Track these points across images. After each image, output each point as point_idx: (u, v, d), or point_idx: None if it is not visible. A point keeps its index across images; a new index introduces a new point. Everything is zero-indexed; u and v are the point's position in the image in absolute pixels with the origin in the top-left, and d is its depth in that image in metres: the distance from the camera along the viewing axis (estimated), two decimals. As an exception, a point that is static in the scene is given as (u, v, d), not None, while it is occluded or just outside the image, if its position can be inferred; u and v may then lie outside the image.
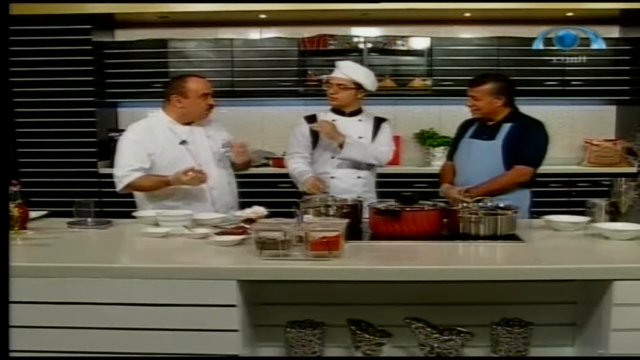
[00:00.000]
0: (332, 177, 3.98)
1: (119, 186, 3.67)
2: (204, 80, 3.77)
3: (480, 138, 3.89)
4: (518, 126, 3.80)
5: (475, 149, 3.88)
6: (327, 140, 3.96)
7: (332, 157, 4.00)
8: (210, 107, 3.74)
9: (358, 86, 3.97)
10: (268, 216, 3.12)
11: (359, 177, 4.03)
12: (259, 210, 3.21)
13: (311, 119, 4.08)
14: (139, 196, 3.80)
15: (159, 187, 3.62)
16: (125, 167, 3.64)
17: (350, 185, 3.98)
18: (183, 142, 3.68)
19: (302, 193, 3.84)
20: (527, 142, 3.76)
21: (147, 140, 3.64)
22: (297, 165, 4.02)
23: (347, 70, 3.98)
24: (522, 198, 3.75)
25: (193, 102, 3.67)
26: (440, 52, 6.50)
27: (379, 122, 4.12)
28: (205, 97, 3.70)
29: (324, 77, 4.06)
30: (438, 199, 3.46)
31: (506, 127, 3.81)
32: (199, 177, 3.51)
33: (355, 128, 4.02)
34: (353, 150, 3.95)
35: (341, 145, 3.93)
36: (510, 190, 3.72)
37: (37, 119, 6.41)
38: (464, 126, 4.07)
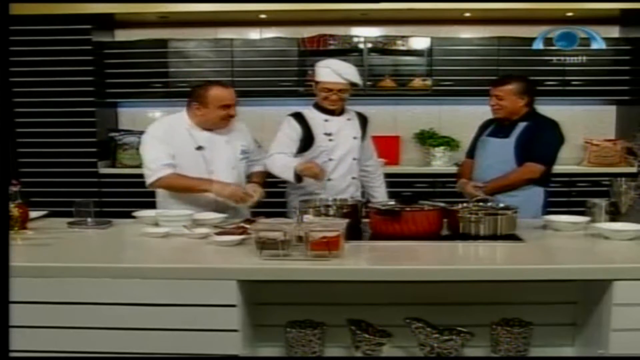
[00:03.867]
0: (329, 179, 3.92)
1: (151, 179, 3.58)
2: (227, 89, 3.71)
3: (496, 136, 4.00)
4: (532, 125, 3.89)
5: (490, 147, 4.00)
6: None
7: (330, 159, 3.95)
8: (230, 116, 3.70)
9: (352, 86, 3.92)
10: (268, 216, 3.12)
11: (353, 178, 4.03)
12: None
13: (299, 117, 3.97)
14: (159, 195, 3.79)
15: (194, 188, 3.58)
16: (157, 162, 3.57)
17: (346, 186, 3.98)
18: (199, 148, 3.66)
19: (297, 181, 3.79)
20: (539, 140, 3.84)
21: (169, 139, 3.63)
22: (284, 157, 3.86)
23: (346, 74, 3.85)
24: (536, 197, 3.86)
25: (213, 112, 3.63)
26: (440, 52, 6.50)
27: (363, 120, 4.10)
28: (226, 107, 3.66)
29: (321, 79, 3.91)
30: (443, 199, 3.44)
31: (521, 125, 3.90)
32: (243, 197, 3.54)
33: (348, 128, 3.99)
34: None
35: None
36: (520, 187, 3.81)
37: (37, 119, 6.41)
38: (484, 126, 4.18)
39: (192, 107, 3.67)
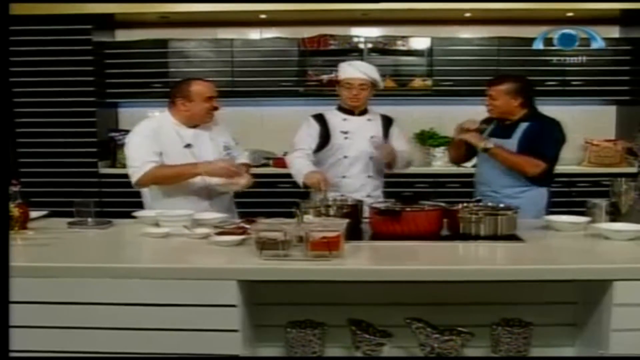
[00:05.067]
0: (344, 177, 3.98)
1: (136, 176, 3.59)
2: (208, 83, 3.79)
3: (497, 136, 3.94)
4: (535, 125, 3.84)
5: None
6: (379, 158, 3.97)
7: (345, 157, 3.99)
8: (215, 109, 3.77)
9: (373, 85, 4.00)
10: (268, 216, 3.12)
11: (369, 177, 4.04)
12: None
13: (319, 117, 4.06)
14: (147, 196, 3.82)
15: (182, 174, 3.60)
16: (142, 159, 3.59)
17: (361, 184, 4.00)
18: (188, 146, 3.70)
19: (304, 188, 3.87)
20: (542, 139, 3.79)
21: (155, 139, 3.65)
22: (301, 161, 3.93)
23: (365, 69, 3.97)
24: (539, 198, 3.83)
25: (198, 105, 3.69)
26: (440, 52, 6.51)
27: (387, 121, 4.12)
28: (209, 100, 3.72)
29: (334, 76, 4.00)
30: (442, 198, 3.44)
31: (523, 126, 3.85)
32: (234, 171, 3.59)
33: (366, 128, 4.02)
34: (401, 163, 4.06)
35: (390, 164, 4.00)
36: (517, 172, 3.78)
37: (38, 119, 6.42)
38: (484, 122, 4.07)
39: (177, 104, 3.71)
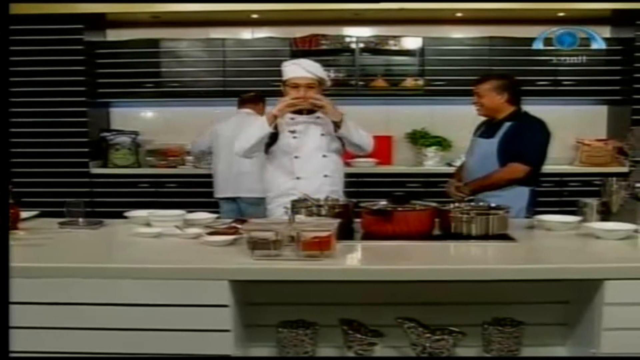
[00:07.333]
0: (298, 178, 3.83)
1: None
2: None
3: (483, 136, 3.98)
4: (517, 125, 3.85)
5: (477, 147, 3.99)
6: (327, 116, 3.77)
7: (296, 157, 3.85)
8: None
9: (319, 83, 3.85)
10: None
11: (325, 176, 3.87)
12: None
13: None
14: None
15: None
16: None
17: (318, 185, 3.79)
18: None
19: (274, 130, 3.79)
20: (523, 140, 3.78)
21: None
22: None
23: (312, 68, 3.82)
24: (519, 196, 3.76)
25: None
26: (432, 52, 6.52)
27: None
28: None
29: (288, 76, 3.84)
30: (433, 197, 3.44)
31: (506, 125, 3.86)
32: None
33: (316, 126, 3.89)
34: (349, 128, 3.81)
35: (338, 124, 3.77)
36: (504, 187, 3.75)
37: (29, 119, 6.39)
38: (479, 126, 4.15)
39: None
